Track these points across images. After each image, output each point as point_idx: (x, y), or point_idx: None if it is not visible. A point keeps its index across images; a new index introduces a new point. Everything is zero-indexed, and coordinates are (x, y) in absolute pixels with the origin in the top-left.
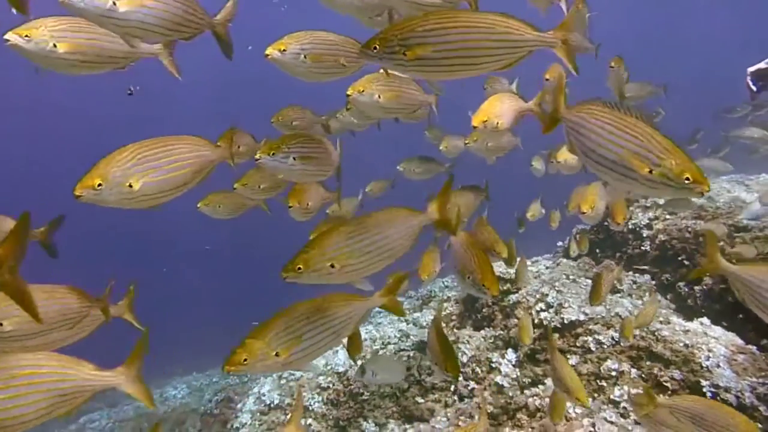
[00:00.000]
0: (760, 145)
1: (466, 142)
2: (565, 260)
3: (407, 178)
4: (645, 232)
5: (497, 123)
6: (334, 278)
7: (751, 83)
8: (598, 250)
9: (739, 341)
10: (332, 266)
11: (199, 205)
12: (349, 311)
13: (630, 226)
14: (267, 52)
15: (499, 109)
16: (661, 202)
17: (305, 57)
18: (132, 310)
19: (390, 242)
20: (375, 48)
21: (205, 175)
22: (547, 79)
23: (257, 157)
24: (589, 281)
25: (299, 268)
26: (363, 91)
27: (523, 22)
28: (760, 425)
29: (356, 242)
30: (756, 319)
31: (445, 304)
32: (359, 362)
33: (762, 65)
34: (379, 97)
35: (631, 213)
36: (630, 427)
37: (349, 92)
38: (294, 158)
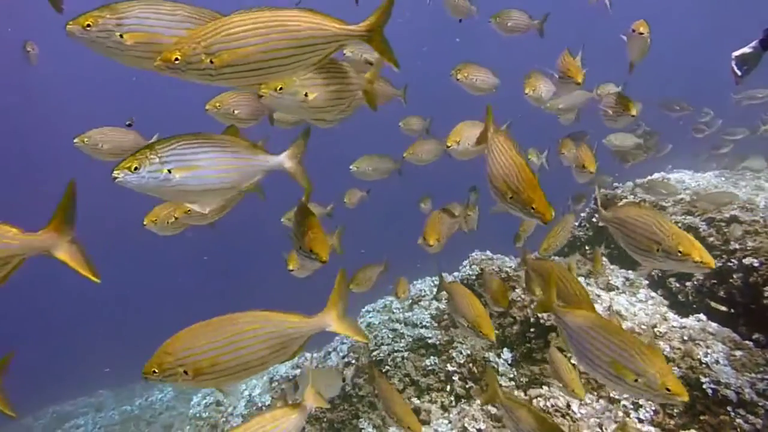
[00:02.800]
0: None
1: (449, 144)
2: (556, 258)
3: (362, 180)
4: None
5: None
6: (192, 384)
7: (735, 67)
8: (587, 247)
9: (736, 337)
10: (185, 372)
11: (144, 222)
12: None
13: None
14: (68, 28)
15: (471, 132)
16: (651, 197)
17: (121, 36)
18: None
19: (255, 353)
20: (176, 59)
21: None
22: (561, 77)
23: (114, 175)
24: (582, 279)
25: (154, 371)
26: (281, 88)
27: (328, 16)
28: (761, 421)
29: (212, 349)
30: (747, 313)
31: (436, 303)
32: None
33: (746, 49)
34: (307, 95)
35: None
36: (636, 425)
37: (262, 91)
38: (170, 170)
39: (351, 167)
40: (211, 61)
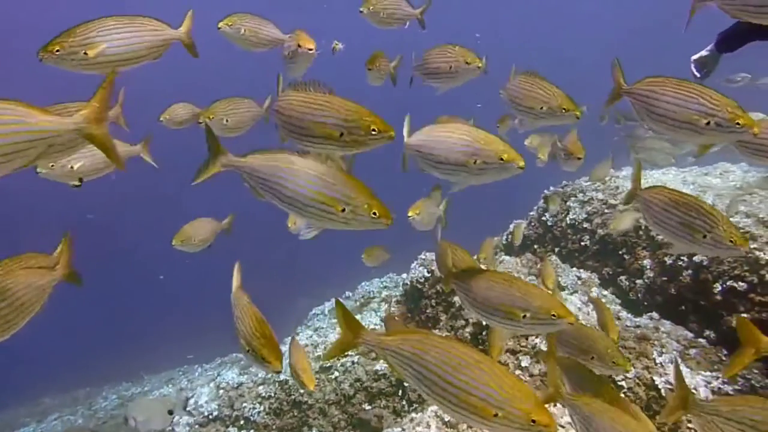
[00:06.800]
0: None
1: None
2: (507, 257)
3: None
4: (585, 226)
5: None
6: None
7: (694, 70)
8: (536, 246)
9: (689, 335)
10: None
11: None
12: None
13: (569, 221)
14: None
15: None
16: (600, 196)
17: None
18: None
19: None
20: None
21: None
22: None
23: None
24: (535, 278)
25: None
26: None
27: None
28: None
29: None
30: (697, 310)
31: (385, 305)
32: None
33: (704, 53)
34: None
35: (569, 207)
36: None
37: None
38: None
39: None
40: None
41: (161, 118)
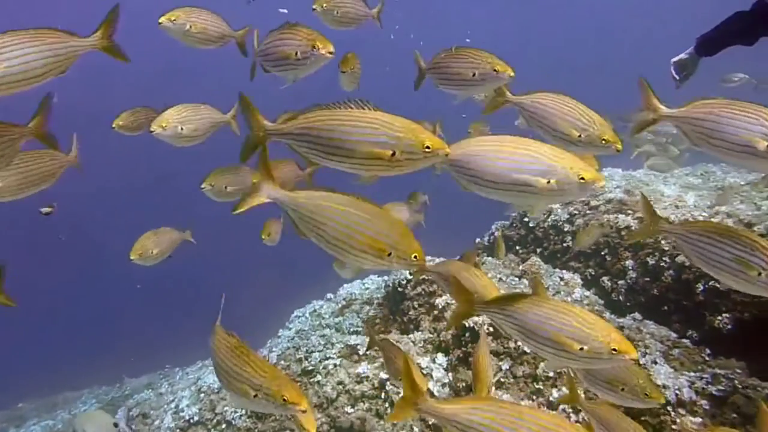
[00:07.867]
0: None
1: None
2: (490, 258)
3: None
4: (566, 227)
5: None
6: None
7: (674, 72)
8: (518, 247)
9: (673, 335)
10: None
11: None
12: None
13: (550, 222)
14: None
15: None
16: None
17: None
18: None
19: None
20: None
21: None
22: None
23: None
24: (518, 279)
25: None
26: None
27: None
28: (700, 420)
29: None
30: (679, 310)
31: (367, 307)
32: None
33: (683, 55)
34: None
35: (551, 209)
36: None
37: None
38: None
39: (202, 185)
40: None
41: (114, 125)
